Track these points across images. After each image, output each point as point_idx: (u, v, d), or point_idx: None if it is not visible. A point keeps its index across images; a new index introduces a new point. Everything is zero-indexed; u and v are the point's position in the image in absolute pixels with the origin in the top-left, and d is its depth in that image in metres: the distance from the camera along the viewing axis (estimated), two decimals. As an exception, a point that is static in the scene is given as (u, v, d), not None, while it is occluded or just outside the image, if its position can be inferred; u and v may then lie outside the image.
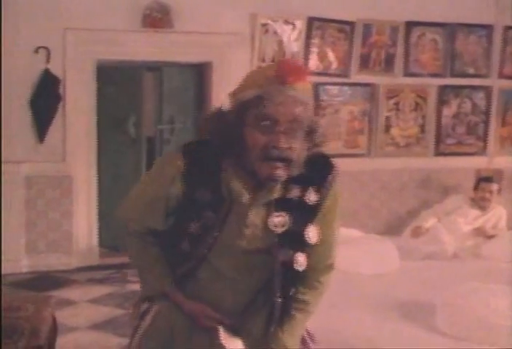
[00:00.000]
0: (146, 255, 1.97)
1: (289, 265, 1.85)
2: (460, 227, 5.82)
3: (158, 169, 1.95)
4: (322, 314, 4.17)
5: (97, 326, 4.51)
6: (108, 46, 5.82)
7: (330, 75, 6.30)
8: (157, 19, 5.87)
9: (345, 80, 6.35)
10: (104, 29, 5.77)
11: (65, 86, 5.80)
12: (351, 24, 6.24)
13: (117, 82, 6.13)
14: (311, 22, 6.12)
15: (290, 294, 1.89)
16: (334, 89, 6.33)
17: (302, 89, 1.75)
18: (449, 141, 6.69)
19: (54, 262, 5.90)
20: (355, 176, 6.42)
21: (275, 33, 6.09)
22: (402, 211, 6.61)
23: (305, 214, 1.85)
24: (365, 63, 6.34)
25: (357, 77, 6.37)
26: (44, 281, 5.63)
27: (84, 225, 6.04)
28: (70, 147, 5.90)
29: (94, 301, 5.09)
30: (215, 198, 1.82)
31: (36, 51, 5.66)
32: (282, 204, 1.83)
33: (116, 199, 6.15)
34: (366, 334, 3.88)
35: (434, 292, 4.24)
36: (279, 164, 1.73)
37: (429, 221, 5.90)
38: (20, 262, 5.85)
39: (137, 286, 5.26)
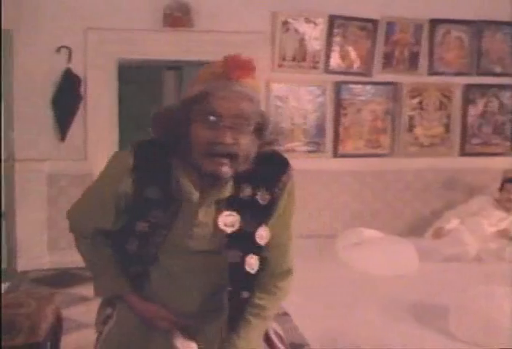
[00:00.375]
0: (98, 257, 1.94)
1: (240, 266, 1.80)
2: (483, 229, 5.71)
3: (107, 168, 1.93)
4: (333, 314, 4.23)
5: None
6: (129, 45, 5.85)
7: (352, 74, 6.23)
8: (178, 19, 5.89)
9: (368, 79, 6.27)
10: (125, 28, 5.80)
11: (86, 85, 5.86)
12: (374, 22, 6.16)
13: (138, 81, 6.17)
14: (332, 20, 6.06)
15: (243, 297, 1.83)
16: (357, 88, 6.25)
17: (249, 84, 1.72)
18: (475, 141, 6.55)
19: (75, 259, 5.93)
20: (377, 176, 6.34)
21: (296, 31, 6.05)
22: (426, 211, 6.50)
23: (256, 214, 1.80)
24: (388, 62, 6.26)
25: (380, 76, 6.29)
26: (65, 278, 5.68)
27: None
28: (91, 145, 5.95)
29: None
30: (164, 196, 1.79)
31: (58, 50, 5.72)
32: (233, 203, 1.79)
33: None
34: (376, 335, 3.83)
35: (450, 295, 4.17)
36: (224, 160, 1.70)
37: (451, 222, 5.80)
38: (42, 259, 5.93)
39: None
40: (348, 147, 6.28)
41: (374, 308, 4.31)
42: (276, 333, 2.04)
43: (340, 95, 6.20)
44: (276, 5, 5.97)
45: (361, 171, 6.30)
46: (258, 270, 1.83)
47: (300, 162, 6.13)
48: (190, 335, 1.86)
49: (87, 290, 5.22)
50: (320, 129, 6.23)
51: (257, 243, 1.80)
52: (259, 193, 1.78)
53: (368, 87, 6.27)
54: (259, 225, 1.80)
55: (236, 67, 1.70)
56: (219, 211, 1.79)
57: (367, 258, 5.29)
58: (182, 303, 1.85)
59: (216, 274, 1.82)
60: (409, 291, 4.55)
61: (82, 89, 5.85)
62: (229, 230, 1.78)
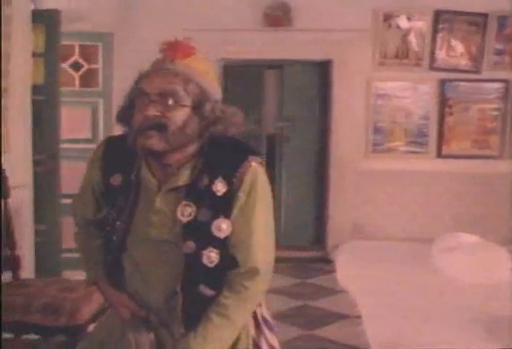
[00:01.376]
0: (85, 245, 2.02)
1: (197, 259, 1.75)
2: None
3: (89, 158, 2.00)
4: (403, 320, 4.09)
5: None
6: (230, 45, 5.98)
7: (459, 71, 5.95)
8: (278, 18, 5.94)
9: (476, 76, 5.95)
10: (226, 29, 5.95)
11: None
12: (484, 16, 5.83)
13: (240, 80, 6.28)
14: (438, 15, 5.82)
15: (201, 291, 1.78)
16: (464, 86, 5.96)
17: (184, 63, 1.75)
18: None
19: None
20: (483, 179, 6.01)
21: (398, 27, 5.88)
22: (536, 219, 6.06)
23: (213, 205, 1.75)
24: (499, 58, 5.89)
25: (489, 73, 5.95)
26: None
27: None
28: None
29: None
30: (127, 183, 1.82)
31: (159, 52, 5.97)
32: (191, 193, 1.76)
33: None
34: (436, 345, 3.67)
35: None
36: (152, 133, 1.70)
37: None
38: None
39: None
40: (452, 147, 6.01)
41: (450, 318, 4.12)
42: (264, 318, 1.98)
43: (445, 93, 5.95)
44: (377, 1, 5.84)
45: (465, 173, 6.00)
46: (224, 267, 1.78)
47: (401, 162, 6.01)
48: (148, 328, 1.86)
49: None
50: (423, 129, 6.01)
51: (215, 236, 1.75)
52: (215, 183, 1.75)
53: (476, 85, 5.95)
54: (215, 216, 1.75)
55: (169, 49, 1.77)
56: (178, 201, 1.78)
57: (459, 264, 5.06)
58: (149, 295, 1.84)
59: (176, 265, 1.79)
60: (487, 302, 4.30)
61: (186, 88, 6.08)
62: (185, 219, 1.76)
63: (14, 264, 3.53)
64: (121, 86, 5.66)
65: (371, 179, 6.10)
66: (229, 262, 1.78)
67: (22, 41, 3.83)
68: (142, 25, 5.89)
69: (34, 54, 4.05)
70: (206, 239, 1.75)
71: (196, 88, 1.74)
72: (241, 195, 1.76)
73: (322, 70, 6.23)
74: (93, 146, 5.01)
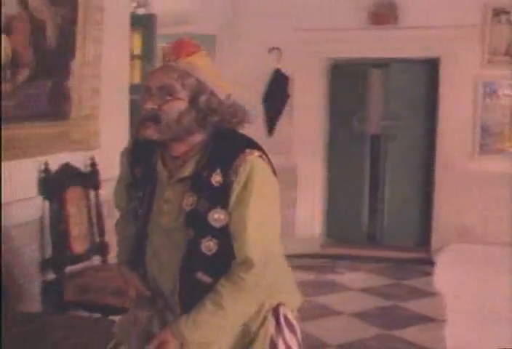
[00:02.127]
0: (120, 231, 2.19)
1: (196, 246, 1.84)
2: None
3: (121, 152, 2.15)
4: (483, 327, 3.96)
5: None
6: (336, 44, 6.04)
7: None
8: (383, 16, 5.90)
9: None
10: (331, 28, 5.99)
11: (294, 84, 6.20)
12: None
13: (345, 79, 6.30)
14: (553, 9, 5.51)
15: (198, 277, 1.85)
16: None
17: (186, 61, 1.86)
18: None
19: (278, 246, 6.34)
20: None
21: (509, 23, 5.63)
22: None
23: (211, 195, 1.83)
24: None
25: None
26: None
27: (307, 214, 6.39)
28: (296, 141, 6.28)
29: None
30: (147, 176, 1.97)
31: (270, 51, 6.15)
32: (194, 184, 1.87)
33: (343, 193, 6.39)
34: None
35: None
36: (149, 124, 1.83)
37: None
38: (249, 245, 6.42)
39: (335, 277, 5.44)
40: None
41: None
42: (287, 318, 2.01)
43: None
44: (486, -4, 5.64)
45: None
46: (224, 256, 1.84)
47: (510, 164, 5.75)
48: (156, 310, 1.97)
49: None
50: (535, 129, 5.72)
51: (212, 225, 1.83)
52: (213, 175, 1.83)
53: None
54: (213, 206, 1.83)
55: (174, 48, 1.89)
56: (184, 191, 1.89)
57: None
58: (162, 280, 1.96)
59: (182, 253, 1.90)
60: None
61: (290, 88, 6.21)
62: (187, 209, 1.86)
63: (103, 249, 3.83)
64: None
65: (478, 181, 5.90)
66: (230, 251, 1.85)
67: (119, 44, 4.11)
68: (247, 27, 6.09)
69: (132, 56, 4.34)
70: (204, 228, 1.84)
71: (194, 82, 1.85)
72: (236, 187, 1.82)
73: (429, 68, 6.11)
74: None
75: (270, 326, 1.96)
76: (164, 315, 1.98)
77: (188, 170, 1.89)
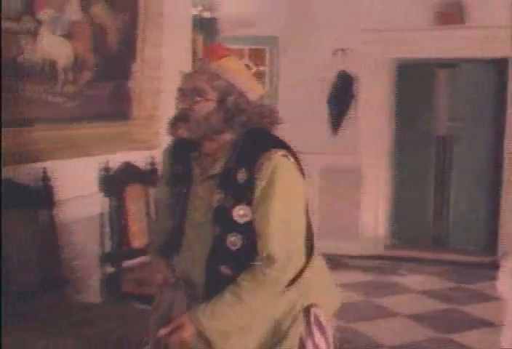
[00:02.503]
0: (157, 223, 2.32)
1: (222, 241, 1.91)
2: None
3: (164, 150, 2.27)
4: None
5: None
6: (402, 45, 5.99)
7: None
8: (449, 16, 5.82)
9: None
10: (397, 29, 5.96)
11: (359, 84, 6.20)
12: None
13: (411, 80, 6.25)
14: None
15: (222, 271, 1.92)
16: None
17: (217, 64, 1.96)
18: None
19: (340, 246, 6.35)
20: None
21: None
22: None
23: (236, 192, 1.91)
24: None
25: None
26: (328, 263, 6.09)
27: (371, 215, 6.37)
28: (361, 141, 6.27)
29: (343, 286, 5.37)
30: (185, 173, 2.07)
31: (335, 52, 6.18)
32: (222, 181, 1.95)
33: (408, 194, 6.37)
34: None
35: None
36: (179, 123, 1.94)
37: None
38: (313, 244, 6.47)
39: (397, 278, 5.42)
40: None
41: None
42: (318, 321, 2.11)
43: None
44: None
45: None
46: (248, 252, 1.90)
47: None
48: (175, 296, 2.08)
49: (341, 276, 5.59)
50: None
51: (236, 221, 1.90)
52: (239, 172, 1.91)
53: None
54: (238, 203, 1.90)
55: (206, 52, 2.09)
56: (214, 188, 1.97)
57: None
58: (193, 272, 2.04)
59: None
60: None
61: (355, 88, 6.21)
62: (215, 205, 1.95)
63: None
64: (286, 86, 5.97)
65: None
66: (254, 247, 1.91)
67: (181, 47, 4.25)
68: (312, 28, 6.13)
69: (196, 59, 4.46)
70: (230, 224, 1.92)
71: (223, 84, 1.94)
72: (260, 184, 1.89)
73: (496, 68, 5.98)
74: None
75: (301, 326, 2.01)
76: (188, 303, 2.06)
77: (217, 168, 1.98)
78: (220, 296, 1.92)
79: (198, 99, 1.94)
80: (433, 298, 4.96)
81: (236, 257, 1.93)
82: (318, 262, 2.13)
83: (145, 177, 3.90)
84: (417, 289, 5.24)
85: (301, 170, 1.99)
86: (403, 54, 6.10)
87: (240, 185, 1.91)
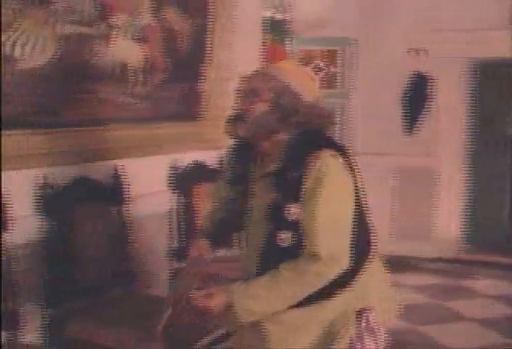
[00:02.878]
0: (210, 215, 2.40)
1: (274, 239, 1.97)
2: None
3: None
4: None
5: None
6: (478, 45, 5.87)
7: None
8: (527, 15, 5.67)
9: None
10: (473, 28, 5.84)
11: (434, 84, 6.11)
12: None
13: (488, 80, 6.11)
14: None
15: (271, 267, 1.96)
16: None
17: (275, 66, 2.04)
18: None
19: (414, 249, 6.29)
20: None
21: None
22: None
23: (287, 191, 1.96)
24: None
25: None
26: (400, 265, 6.03)
27: (445, 218, 6.27)
28: (436, 142, 6.19)
29: (412, 287, 5.34)
30: (246, 172, 2.16)
31: (408, 52, 6.12)
32: (276, 180, 2.00)
33: (484, 197, 6.24)
34: None
35: None
36: (238, 123, 2.02)
37: None
38: (384, 246, 6.39)
39: (469, 282, 5.31)
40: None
41: None
42: (369, 324, 2.06)
43: None
44: None
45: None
46: (297, 249, 1.94)
47: None
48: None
49: (410, 278, 5.55)
50: None
51: (286, 219, 1.95)
52: (290, 170, 1.97)
53: None
54: (288, 201, 1.95)
55: (264, 55, 2.15)
56: (268, 186, 2.04)
57: None
58: (249, 265, 2.13)
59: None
60: None
61: (430, 89, 6.13)
62: (268, 202, 2.01)
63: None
64: (359, 87, 5.95)
65: None
66: (303, 245, 1.96)
67: (252, 49, 4.33)
68: (387, 28, 6.10)
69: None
70: (280, 221, 1.97)
71: (279, 85, 2.01)
72: (307, 182, 1.94)
73: None
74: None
75: (352, 328, 2.04)
76: None
77: (271, 167, 2.05)
78: (258, 278, 1.98)
79: (255, 99, 2.02)
80: (503, 303, 4.84)
81: (286, 255, 1.98)
82: (376, 265, 2.17)
83: (213, 175, 4.00)
84: (487, 293, 5.13)
85: (353, 171, 2.03)
86: (478, 54, 5.97)
87: (290, 184, 1.97)
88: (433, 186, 6.24)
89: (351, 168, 2.03)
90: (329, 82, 5.55)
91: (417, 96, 6.16)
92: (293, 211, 1.96)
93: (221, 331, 2.85)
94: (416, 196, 6.30)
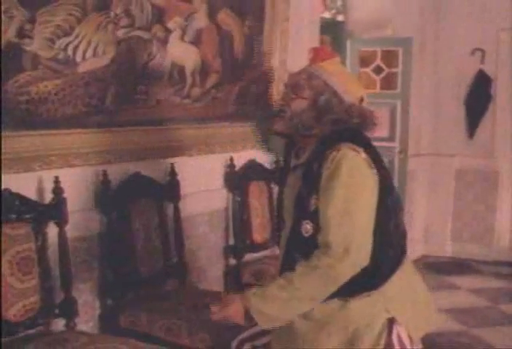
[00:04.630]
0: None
1: (298, 230, 2.02)
2: None
3: None
4: None
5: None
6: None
7: None
8: None
9: None
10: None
11: (497, 85, 6.02)
12: None
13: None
14: None
15: (296, 260, 2.00)
16: None
17: (319, 65, 2.10)
18: None
19: (474, 251, 6.21)
20: None
21: None
22: None
23: (311, 182, 2.01)
24: None
25: None
26: (458, 267, 5.98)
27: (507, 220, 6.16)
28: (498, 144, 6.09)
29: (470, 291, 5.29)
30: (286, 165, 2.26)
31: (472, 52, 6.04)
32: (303, 172, 2.07)
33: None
34: None
35: None
36: (276, 118, 2.11)
37: None
38: (444, 248, 6.38)
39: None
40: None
41: None
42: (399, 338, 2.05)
43: None
44: None
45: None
46: (314, 238, 1.97)
47: None
48: None
49: (468, 281, 5.49)
50: None
51: (308, 210, 2.00)
52: (314, 162, 2.02)
53: None
54: (311, 191, 2.00)
55: (311, 55, 2.16)
56: (298, 178, 2.10)
57: None
58: (281, 254, 2.18)
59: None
60: None
61: (493, 89, 6.04)
62: (297, 193, 2.07)
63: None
64: (420, 88, 5.92)
65: None
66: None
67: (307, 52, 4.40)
68: (448, 28, 6.05)
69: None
70: (304, 212, 2.03)
71: (320, 83, 2.08)
72: (325, 173, 1.98)
73: None
74: (389, 144, 5.41)
75: (381, 342, 2.01)
76: None
77: (301, 159, 2.14)
78: (273, 280, 2.03)
79: (294, 96, 2.10)
80: None
81: (307, 244, 2.00)
82: (412, 278, 2.17)
83: (268, 174, 4.09)
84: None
85: (380, 170, 2.03)
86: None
87: (313, 175, 2.02)
88: (496, 188, 6.14)
89: (378, 166, 2.03)
90: (389, 83, 5.52)
91: (480, 97, 6.08)
92: (313, 201, 2.01)
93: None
94: (478, 198, 6.22)
